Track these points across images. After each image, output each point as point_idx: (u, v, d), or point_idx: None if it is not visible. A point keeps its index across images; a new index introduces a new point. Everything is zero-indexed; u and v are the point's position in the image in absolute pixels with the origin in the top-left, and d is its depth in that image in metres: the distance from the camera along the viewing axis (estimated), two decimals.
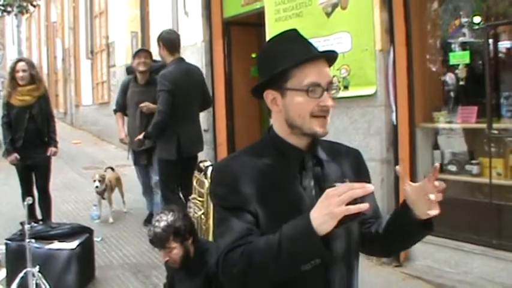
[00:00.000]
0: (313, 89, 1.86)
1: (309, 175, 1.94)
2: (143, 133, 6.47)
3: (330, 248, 1.71)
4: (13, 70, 6.81)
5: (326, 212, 1.62)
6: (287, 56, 1.89)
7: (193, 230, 3.93)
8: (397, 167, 1.93)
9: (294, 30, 2.01)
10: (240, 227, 1.82)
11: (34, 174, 6.96)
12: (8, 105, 6.83)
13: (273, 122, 2.01)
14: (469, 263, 5.01)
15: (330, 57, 1.96)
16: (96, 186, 7.45)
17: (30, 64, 6.95)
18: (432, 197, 1.76)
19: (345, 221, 1.62)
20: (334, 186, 1.66)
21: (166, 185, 6.37)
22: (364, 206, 1.60)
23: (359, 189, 1.62)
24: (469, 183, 5.42)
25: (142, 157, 7.18)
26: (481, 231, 5.02)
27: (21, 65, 6.78)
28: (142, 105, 6.76)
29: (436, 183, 1.78)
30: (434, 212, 1.80)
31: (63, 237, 5.38)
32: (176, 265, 3.79)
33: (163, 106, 6.12)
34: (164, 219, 3.73)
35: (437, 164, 1.86)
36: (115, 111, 7.55)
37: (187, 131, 6.31)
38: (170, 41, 6.42)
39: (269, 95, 1.95)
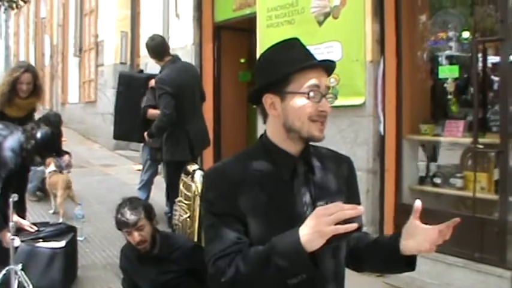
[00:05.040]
0: (313, 93, 1.89)
1: (300, 181, 1.96)
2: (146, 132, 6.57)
3: (317, 264, 1.75)
4: (16, 80, 5.96)
5: (315, 230, 1.65)
6: (290, 62, 1.92)
7: (155, 213, 4.16)
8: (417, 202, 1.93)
9: (296, 39, 2.05)
10: (229, 235, 1.84)
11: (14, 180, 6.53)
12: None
13: (268, 127, 2.03)
14: (451, 275, 5.05)
15: (329, 67, 2.00)
16: None
17: (35, 75, 6.19)
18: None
19: (333, 240, 1.66)
20: (326, 203, 1.70)
21: (173, 189, 5.77)
22: (352, 227, 1.63)
23: (349, 210, 1.65)
24: (452, 196, 5.46)
25: (158, 153, 7.16)
26: (463, 244, 5.05)
27: (27, 76, 5.98)
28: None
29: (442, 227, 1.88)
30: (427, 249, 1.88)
31: (50, 237, 5.35)
32: (147, 245, 3.94)
33: (167, 109, 6.13)
34: (130, 203, 4.00)
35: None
36: None
37: (196, 128, 6.41)
38: (155, 48, 6.54)
39: (268, 99, 1.96)
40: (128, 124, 7.26)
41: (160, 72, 6.55)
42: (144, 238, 3.92)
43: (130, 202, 4.03)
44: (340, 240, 1.70)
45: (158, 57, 6.52)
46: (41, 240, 5.26)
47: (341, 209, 1.65)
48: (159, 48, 6.54)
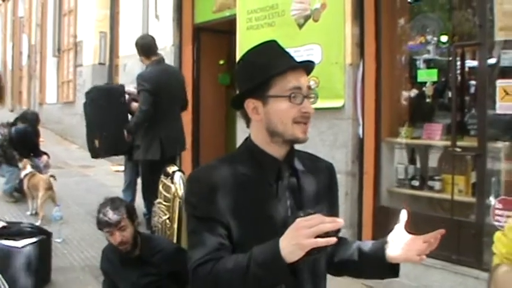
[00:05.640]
0: (295, 94, 1.89)
1: (284, 185, 1.96)
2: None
3: (296, 274, 1.77)
4: None
5: (295, 242, 1.64)
6: (270, 66, 1.92)
7: (136, 215, 4.13)
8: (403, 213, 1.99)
9: (274, 42, 2.04)
10: (211, 240, 1.83)
11: None
12: None
13: (251, 131, 2.02)
14: (429, 277, 5.08)
15: (308, 67, 2.01)
16: None
17: None
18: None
19: (313, 252, 1.66)
20: (307, 214, 1.70)
21: (148, 189, 6.25)
22: (332, 241, 1.63)
23: (329, 223, 1.64)
24: (431, 199, 5.51)
25: (136, 152, 7.06)
26: (442, 246, 5.03)
27: None
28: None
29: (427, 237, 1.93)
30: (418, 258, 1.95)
31: (14, 235, 5.29)
32: (128, 246, 3.90)
33: (145, 105, 6.32)
34: (112, 203, 3.95)
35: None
36: None
37: (169, 130, 6.48)
38: (143, 46, 6.70)
39: (250, 104, 1.95)
40: (115, 135, 6.89)
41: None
42: (125, 239, 3.88)
43: (112, 202, 3.99)
44: (320, 252, 1.71)
45: (145, 55, 6.67)
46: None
47: (322, 222, 1.64)
48: (146, 47, 6.70)
